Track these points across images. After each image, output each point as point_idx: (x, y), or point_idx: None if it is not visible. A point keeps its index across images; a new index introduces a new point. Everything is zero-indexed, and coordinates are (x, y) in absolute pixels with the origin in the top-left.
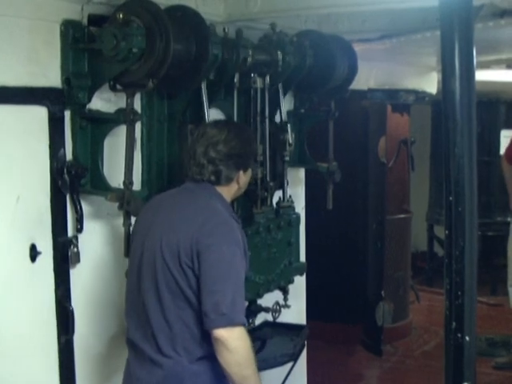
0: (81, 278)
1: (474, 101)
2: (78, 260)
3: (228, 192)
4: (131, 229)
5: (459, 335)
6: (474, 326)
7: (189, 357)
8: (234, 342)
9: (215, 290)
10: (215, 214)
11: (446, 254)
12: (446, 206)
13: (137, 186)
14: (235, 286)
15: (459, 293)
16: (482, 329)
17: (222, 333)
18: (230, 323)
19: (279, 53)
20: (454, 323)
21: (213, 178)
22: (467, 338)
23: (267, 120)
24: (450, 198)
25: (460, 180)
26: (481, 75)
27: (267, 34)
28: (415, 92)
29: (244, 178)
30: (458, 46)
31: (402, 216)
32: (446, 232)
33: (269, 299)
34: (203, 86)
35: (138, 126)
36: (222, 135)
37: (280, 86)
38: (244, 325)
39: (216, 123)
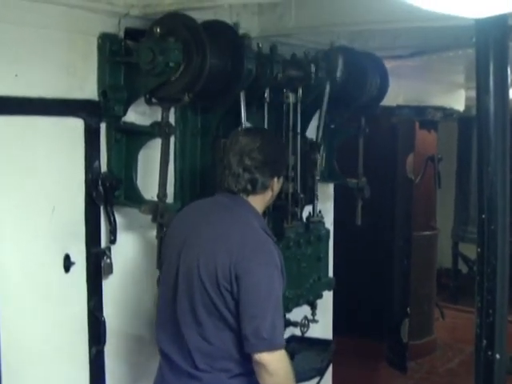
0: (113, 288)
1: (507, 119)
2: (110, 271)
3: (262, 200)
4: None
5: (490, 353)
6: (504, 344)
7: (226, 373)
8: (274, 364)
9: (255, 314)
10: (253, 234)
11: (478, 271)
12: (479, 223)
13: (169, 198)
14: (274, 309)
15: (490, 311)
16: (508, 347)
17: (263, 356)
18: (271, 347)
19: (312, 66)
20: (484, 341)
21: (249, 186)
22: (497, 356)
23: (299, 135)
24: (483, 216)
25: (493, 198)
26: (511, 93)
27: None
28: (443, 109)
29: (277, 184)
30: (492, 65)
31: (429, 233)
32: (478, 250)
33: (297, 313)
34: (242, 97)
35: (171, 139)
36: (255, 143)
37: (324, 106)
38: (284, 347)
39: (247, 131)
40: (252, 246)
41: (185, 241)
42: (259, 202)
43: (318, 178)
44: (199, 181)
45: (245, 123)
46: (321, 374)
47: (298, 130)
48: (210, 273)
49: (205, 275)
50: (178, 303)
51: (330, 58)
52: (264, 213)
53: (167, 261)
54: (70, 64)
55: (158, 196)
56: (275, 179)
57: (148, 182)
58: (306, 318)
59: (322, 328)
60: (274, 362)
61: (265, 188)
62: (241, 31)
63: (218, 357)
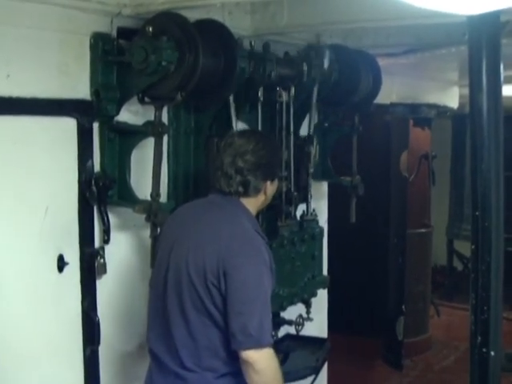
0: (107, 288)
1: (501, 116)
2: (104, 271)
3: (255, 203)
4: None
5: (484, 350)
6: (499, 341)
7: (213, 373)
8: (262, 363)
9: (242, 311)
10: (242, 232)
11: (472, 268)
12: (473, 220)
13: (163, 197)
14: (262, 307)
15: (485, 308)
16: (502, 344)
17: (250, 354)
18: (258, 345)
19: (304, 64)
20: (479, 338)
21: (241, 189)
22: (492, 353)
23: (292, 134)
24: (477, 213)
25: (486, 195)
26: (503, 90)
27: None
28: (437, 106)
29: (271, 188)
30: (485, 62)
31: (423, 230)
32: (473, 247)
33: (291, 312)
34: (231, 99)
35: (164, 139)
36: (249, 145)
37: (314, 97)
38: (271, 345)
39: (242, 133)
40: (241, 242)
41: (176, 239)
42: (252, 204)
43: (311, 170)
44: (192, 180)
45: (236, 127)
46: (316, 372)
47: (292, 129)
48: (198, 268)
49: (193, 270)
50: (167, 300)
51: (317, 52)
52: (258, 213)
53: (158, 261)
54: (62, 64)
55: (151, 195)
56: (268, 183)
57: (141, 182)
58: (300, 316)
59: (317, 326)
60: (262, 360)
61: (257, 191)
62: (233, 30)
63: (204, 355)
